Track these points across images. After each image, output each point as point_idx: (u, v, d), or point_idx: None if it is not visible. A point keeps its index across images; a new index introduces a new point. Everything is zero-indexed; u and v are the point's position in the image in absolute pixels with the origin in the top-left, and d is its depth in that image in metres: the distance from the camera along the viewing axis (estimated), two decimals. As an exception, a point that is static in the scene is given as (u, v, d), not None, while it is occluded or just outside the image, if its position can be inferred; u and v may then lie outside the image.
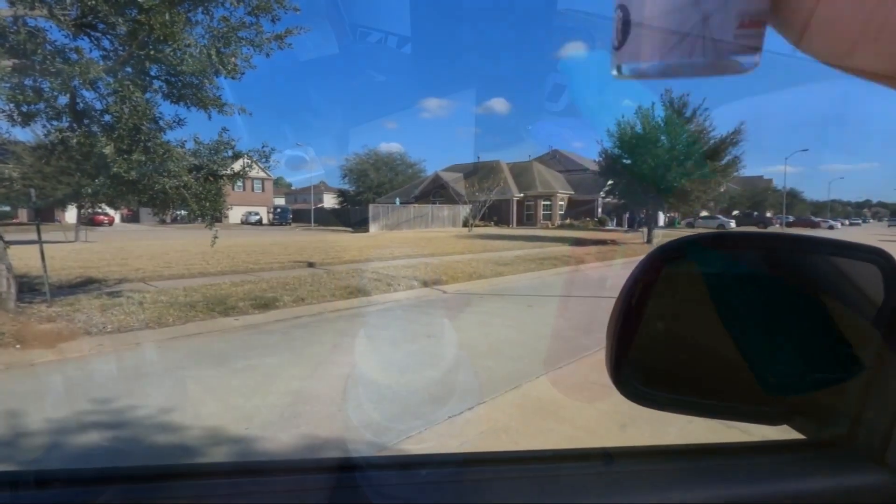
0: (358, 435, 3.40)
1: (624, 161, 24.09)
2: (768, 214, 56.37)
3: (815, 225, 53.82)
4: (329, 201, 65.96)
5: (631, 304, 0.57)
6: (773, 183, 68.17)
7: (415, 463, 0.70)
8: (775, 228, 46.54)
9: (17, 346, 5.11)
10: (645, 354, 0.62)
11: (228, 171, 7.09)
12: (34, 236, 7.31)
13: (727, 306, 0.64)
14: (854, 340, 0.61)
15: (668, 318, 0.64)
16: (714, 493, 0.58)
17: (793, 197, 74.09)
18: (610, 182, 26.27)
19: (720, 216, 46.57)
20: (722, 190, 28.16)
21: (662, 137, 22.58)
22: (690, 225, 46.12)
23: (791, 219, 55.48)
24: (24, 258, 9.57)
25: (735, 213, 54.37)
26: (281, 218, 50.32)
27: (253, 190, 56.94)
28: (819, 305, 0.64)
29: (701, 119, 22.52)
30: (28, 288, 7.60)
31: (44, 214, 31.79)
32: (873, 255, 0.61)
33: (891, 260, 0.60)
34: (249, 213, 52.69)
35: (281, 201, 72.43)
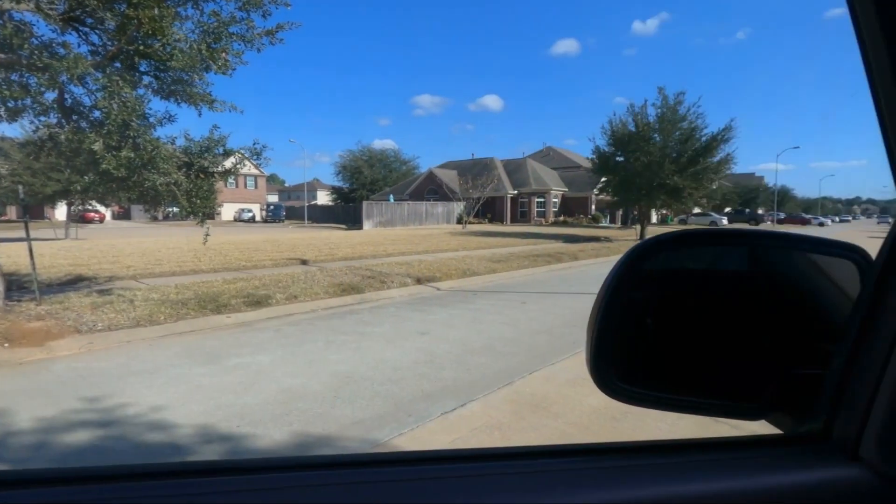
0: (350, 432, 3.40)
1: (617, 158, 24.20)
2: (760, 211, 56.84)
3: (805, 222, 54.38)
4: (323, 198, 65.73)
5: (610, 300, 0.58)
6: (765, 180, 68.68)
7: (404, 460, 0.70)
8: (766, 225, 46.95)
9: (6, 344, 5.06)
10: (624, 351, 0.62)
11: (220, 168, 7.04)
12: (23, 234, 7.22)
13: (707, 302, 0.64)
14: (831, 336, 0.61)
15: (648, 315, 0.64)
16: (691, 488, 0.58)
17: (784, 194, 74.78)
18: (603, 179, 26.36)
19: (713, 213, 46.87)
20: (714, 187, 28.28)
21: (655, 135, 22.69)
22: (683, 222, 46.42)
23: (782, 216, 56.00)
24: (13, 256, 9.47)
25: (727, 210, 54.76)
26: (274, 215, 50.09)
27: (246, 187, 56.62)
28: (797, 301, 0.65)
29: (693, 117, 22.58)
30: (17, 286, 7.52)
31: (33, 212, 31.48)
32: (850, 251, 0.62)
33: (867, 256, 0.61)
34: (242, 210, 52.41)
35: (274, 198, 72.13)
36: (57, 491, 0.57)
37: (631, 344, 0.63)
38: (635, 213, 28.87)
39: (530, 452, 0.71)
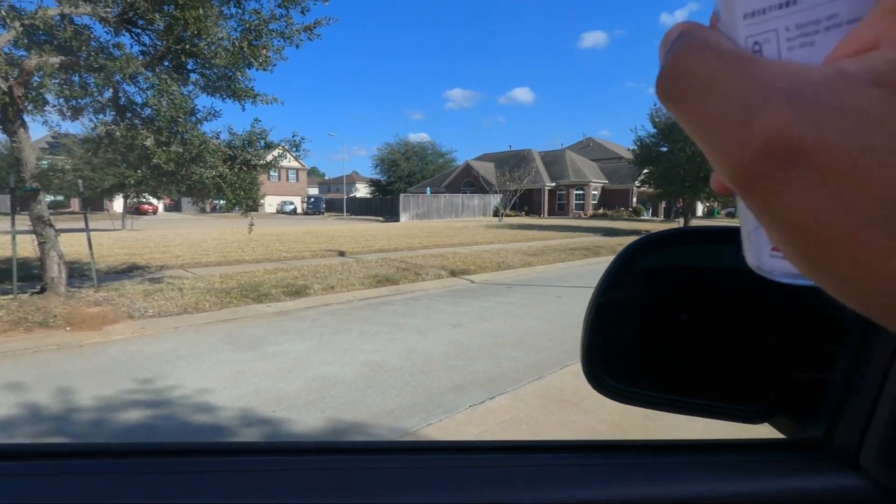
0: (380, 420, 3.49)
1: (660, 149, 23.40)
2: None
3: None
4: (361, 191, 66.79)
5: (605, 298, 0.58)
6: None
7: (409, 448, 0.72)
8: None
9: (67, 327, 5.45)
10: (621, 349, 0.62)
11: (262, 161, 7.29)
12: (84, 224, 7.73)
13: (709, 302, 0.63)
14: (839, 339, 0.59)
15: (648, 313, 0.64)
16: (691, 489, 0.58)
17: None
18: (645, 171, 25.56)
19: (763, 206, 44.52)
20: (766, 178, 26.77)
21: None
22: (731, 215, 44.38)
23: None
24: (75, 245, 10.13)
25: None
26: (314, 207, 51.34)
27: (288, 180, 58.25)
28: (804, 301, 0.63)
29: None
30: (77, 273, 8.06)
31: (94, 204, 33.51)
32: None
33: None
34: (284, 202, 53.98)
35: (315, 191, 73.86)
36: (84, 464, 0.63)
37: (628, 343, 0.63)
38: (679, 205, 27.85)
39: (532, 447, 0.72)
